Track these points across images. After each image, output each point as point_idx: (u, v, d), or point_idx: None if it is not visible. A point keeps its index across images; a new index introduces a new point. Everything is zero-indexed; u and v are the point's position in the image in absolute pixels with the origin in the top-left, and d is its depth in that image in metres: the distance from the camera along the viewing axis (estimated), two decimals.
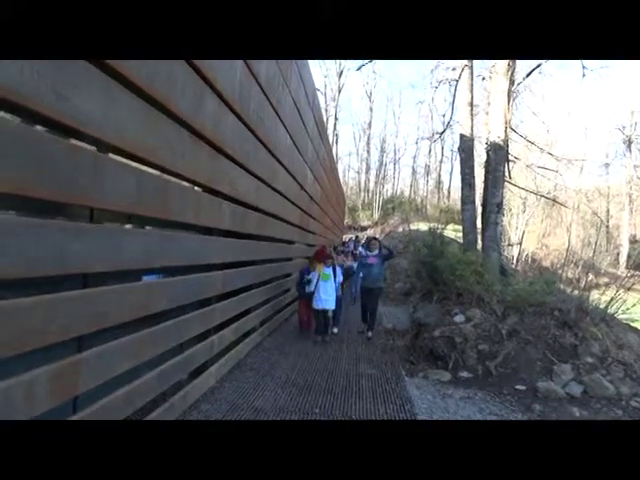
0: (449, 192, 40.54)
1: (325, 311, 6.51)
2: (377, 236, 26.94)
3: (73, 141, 2.00)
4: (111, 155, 2.28)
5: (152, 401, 2.91)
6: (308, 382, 4.62)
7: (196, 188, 3.44)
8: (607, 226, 30.51)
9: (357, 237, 21.59)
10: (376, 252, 7.18)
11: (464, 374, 5.69)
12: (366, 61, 15.25)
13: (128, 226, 2.82)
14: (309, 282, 6.61)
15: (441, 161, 40.92)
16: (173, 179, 2.99)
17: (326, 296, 6.46)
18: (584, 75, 10.60)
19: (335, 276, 6.76)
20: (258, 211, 5.15)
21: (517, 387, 5.16)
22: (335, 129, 35.72)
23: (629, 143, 29.62)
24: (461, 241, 11.25)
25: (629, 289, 8.43)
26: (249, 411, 3.70)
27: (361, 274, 7.59)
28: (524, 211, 23.53)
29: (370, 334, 6.97)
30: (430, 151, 40.11)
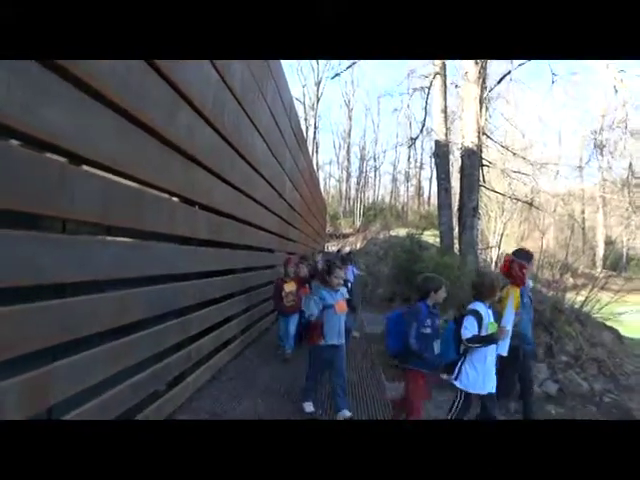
0: (429, 198, 41.01)
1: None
2: (358, 244, 26.67)
3: (42, 153, 2.02)
4: (80, 166, 2.30)
5: (126, 412, 2.90)
6: (288, 390, 4.63)
7: (171, 198, 3.46)
8: (583, 228, 31.13)
9: (339, 252, 13.23)
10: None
11: (444, 376, 5.75)
12: (341, 69, 15.40)
13: (103, 237, 2.82)
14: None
15: (421, 167, 41.45)
16: (146, 189, 3.01)
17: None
18: (554, 82, 10.90)
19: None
20: (236, 220, 5.18)
21: None
22: (315, 138, 35.91)
23: (601, 147, 30.37)
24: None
25: (602, 288, 8.63)
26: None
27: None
28: (502, 215, 23.90)
29: None
30: (409, 158, 40.60)
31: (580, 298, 7.59)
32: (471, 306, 3.50)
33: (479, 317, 3.38)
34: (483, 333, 3.35)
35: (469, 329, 3.35)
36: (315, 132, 36.04)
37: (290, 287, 5.76)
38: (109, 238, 2.80)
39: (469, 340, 3.34)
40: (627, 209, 13.30)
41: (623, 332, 7.61)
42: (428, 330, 3.61)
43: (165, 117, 3.09)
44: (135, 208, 2.81)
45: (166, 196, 3.35)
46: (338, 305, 4.03)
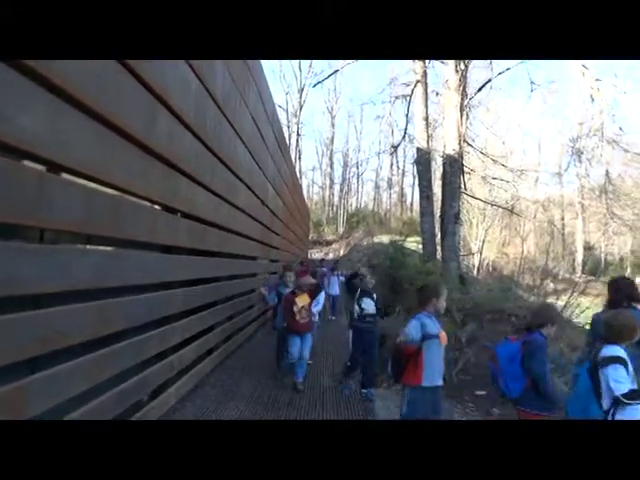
0: (412, 204, 41.34)
1: None
2: (342, 251, 26.84)
3: (17, 160, 1.98)
4: (57, 174, 2.26)
5: None
6: (272, 398, 4.61)
7: (153, 205, 3.43)
8: (562, 234, 31.65)
9: (322, 261, 15.01)
10: None
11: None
12: (323, 78, 15.45)
13: (83, 246, 2.78)
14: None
15: (403, 174, 41.79)
16: (126, 197, 2.96)
17: None
18: (532, 90, 11.11)
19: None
20: (218, 228, 5.14)
21: (477, 393, 5.29)
22: (298, 145, 35.97)
23: (580, 154, 30.96)
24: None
25: (582, 292, 8.78)
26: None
27: None
28: (483, 221, 24.19)
29: None
30: (392, 165, 40.93)
31: (561, 303, 7.72)
32: (610, 352, 2.70)
33: (626, 365, 2.64)
34: (632, 383, 2.61)
35: (623, 382, 2.58)
36: (298, 139, 36.13)
37: (303, 301, 5.09)
38: (89, 247, 2.76)
39: (627, 396, 2.55)
40: (605, 215, 13.58)
41: None
42: (549, 366, 3.05)
43: (144, 123, 3.06)
44: (114, 216, 2.77)
45: (147, 204, 3.32)
46: (442, 335, 3.25)
